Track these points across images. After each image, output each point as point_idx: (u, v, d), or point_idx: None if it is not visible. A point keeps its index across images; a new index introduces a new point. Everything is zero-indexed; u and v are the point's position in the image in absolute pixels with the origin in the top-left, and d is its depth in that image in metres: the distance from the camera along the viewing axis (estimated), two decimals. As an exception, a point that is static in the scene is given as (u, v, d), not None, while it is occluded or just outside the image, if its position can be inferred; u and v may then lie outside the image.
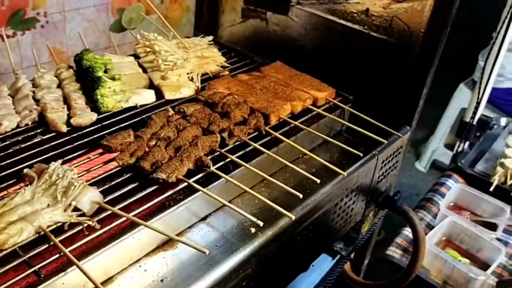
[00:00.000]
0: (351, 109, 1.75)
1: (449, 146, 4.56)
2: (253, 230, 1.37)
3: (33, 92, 1.60)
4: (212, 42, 2.16)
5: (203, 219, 1.39)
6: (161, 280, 1.20)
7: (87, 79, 1.64)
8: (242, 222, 1.39)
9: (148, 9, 2.54)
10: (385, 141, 1.60)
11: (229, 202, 1.40)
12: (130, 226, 1.20)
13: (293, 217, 1.24)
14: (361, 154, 1.51)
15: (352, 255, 2.21)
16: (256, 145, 1.46)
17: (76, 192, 1.17)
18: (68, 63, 1.85)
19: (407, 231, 3.05)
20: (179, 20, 2.78)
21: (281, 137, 1.52)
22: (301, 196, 1.28)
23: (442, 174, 3.56)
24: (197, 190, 1.30)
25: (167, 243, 1.30)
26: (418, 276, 2.64)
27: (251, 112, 1.61)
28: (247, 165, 1.38)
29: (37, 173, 1.25)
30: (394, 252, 2.88)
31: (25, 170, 1.27)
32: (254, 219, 1.18)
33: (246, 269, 1.33)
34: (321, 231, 1.70)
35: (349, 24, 2.27)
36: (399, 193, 1.98)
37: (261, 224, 1.19)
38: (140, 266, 1.23)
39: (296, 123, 1.60)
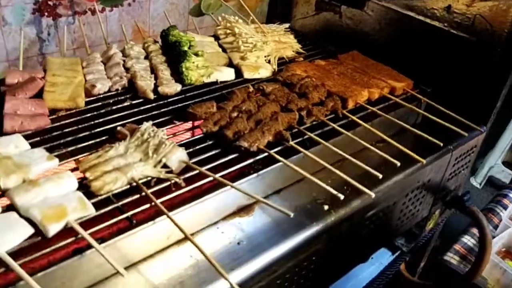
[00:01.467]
0: (428, 101, 1.72)
1: (508, 164, 4.40)
2: (326, 207, 1.39)
3: (123, 61, 1.69)
4: (288, 29, 2.19)
5: (277, 191, 1.42)
6: (238, 243, 1.24)
7: (174, 53, 1.72)
8: (315, 198, 1.41)
9: (226, -5, 2.61)
10: (466, 134, 1.56)
11: (303, 179, 1.43)
12: (212, 188, 1.25)
13: (373, 195, 1.24)
14: (442, 144, 1.48)
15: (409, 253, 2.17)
16: (335, 125, 1.48)
17: (167, 150, 1.23)
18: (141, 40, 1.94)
19: (466, 239, 2.96)
20: (253, 9, 2.83)
21: (358, 120, 1.53)
22: (380, 176, 1.28)
23: (504, 186, 3.42)
24: (275, 162, 1.34)
25: (243, 209, 1.34)
26: (475, 284, 2.56)
27: (328, 95, 1.62)
28: (325, 142, 1.40)
29: (129, 131, 1.32)
30: (451, 258, 2.81)
31: (118, 128, 1.35)
32: (334, 192, 1.20)
33: (317, 244, 1.35)
34: (388, 221, 1.69)
35: (428, 20, 2.24)
36: (469, 193, 1.93)
37: (342, 197, 1.20)
38: (217, 228, 1.28)
39: (374, 109, 1.60)
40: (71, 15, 2.11)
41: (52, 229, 1.00)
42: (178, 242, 1.20)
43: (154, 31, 2.42)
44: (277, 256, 1.24)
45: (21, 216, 1.03)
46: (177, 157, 1.23)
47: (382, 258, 2.06)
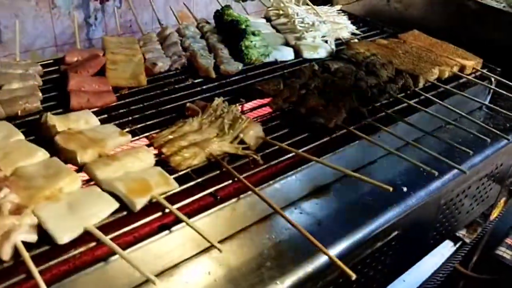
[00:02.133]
0: (500, 78, 1.63)
1: None
2: (405, 189, 1.31)
3: (180, 40, 1.63)
4: (340, 11, 2.12)
5: (355, 171, 1.34)
6: (318, 224, 1.17)
7: (231, 32, 1.65)
8: (393, 180, 1.32)
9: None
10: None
11: (380, 158, 1.35)
12: (289, 166, 1.17)
13: (467, 172, 1.15)
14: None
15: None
16: (411, 102, 1.40)
17: (243, 126, 1.16)
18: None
19: (518, 233, 2.84)
20: (295, -6, 2.76)
21: (433, 98, 1.45)
22: (471, 152, 1.19)
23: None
24: (355, 139, 1.26)
25: (320, 191, 1.27)
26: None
27: (397, 73, 1.54)
28: (404, 119, 1.31)
29: (199, 107, 1.26)
30: (504, 252, 2.69)
31: (188, 104, 1.28)
32: (428, 168, 1.11)
33: (396, 228, 1.27)
34: (460, 207, 1.60)
35: (484, 1, 2.14)
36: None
37: (436, 173, 1.12)
38: (295, 208, 1.21)
39: (447, 87, 1.52)
40: (118, -1, 2.06)
41: (139, 203, 0.93)
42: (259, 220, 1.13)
43: (198, 17, 2.36)
44: (358, 238, 1.16)
45: (103, 190, 0.97)
46: (255, 132, 1.16)
47: (443, 249, 1.96)
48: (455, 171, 1.32)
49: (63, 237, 0.84)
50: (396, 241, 1.31)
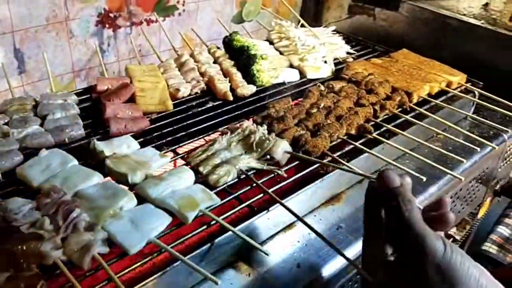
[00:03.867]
0: (482, 91, 1.83)
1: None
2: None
3: (196, 66, 1.79)
4: (335, 32, 2.30)
5: (360, 182, 1.52)
6: (337, 228, 1.34)
7: (242, 57, 1.82)
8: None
9: (264, 3, 2.73)
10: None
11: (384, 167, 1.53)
12: (309, 179, 1.34)
13: (462, 179, 1.34)
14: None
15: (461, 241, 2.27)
16: (407, 117, 1.59)
17: (271, 144, 1.33)
18: (194, 49, 2.03)
19: (501, 229, 3.06)
20: (287, 15, 2.94)
21: (426, 112, 1.64)
22: (465, 161, 1.38)
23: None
24: (361, 153, 1.44)
25: (334, 198, 1.44)
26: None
27: (393, 90, 1.73)
28: (404, 132, 1.50)
29: (229, 128, 1.43)
30: (490, 247, 2.90)
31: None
32: (417, 174, 1.30)
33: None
34: (454, 208, 1.79)
35: (464, 18, 2.36)
36: (517, 181, 2.04)
37: (424, 179, 1.31)
38: (315, 215, 1.37)
39: (437, 101, 1.71)
40: (129, 26, 2.20)
41: (191, 217, 1.09)
42: (285, 228, 1.30)
43: (203, 38, 2.52)
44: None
45: (156, 206, 1.12)
46: (282, 148, 1.33)
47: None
48: (448, 176, 1.52)
49: (133, 249, 0.99)
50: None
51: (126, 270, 0.97)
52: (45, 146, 1.31)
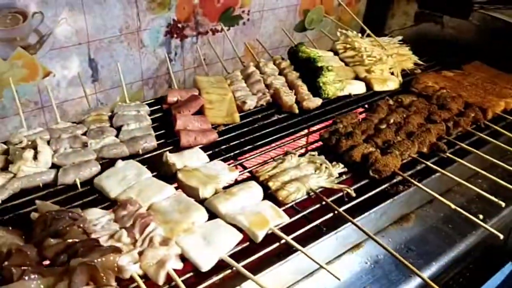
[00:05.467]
0: None
1: None
2: (481, 216, 1.41)
3: (262, 77, 1.80)
4: (401, 42, 2.24)
5: (430, 201, 1.46)
6: (407, 251, 1.30)
7: (308, 68, 1.81)
8: (468, 208, 1.44)
9: (326, 11, 2.71)
10: None
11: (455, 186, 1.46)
12: (384, 197, 1.31)
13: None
14: None
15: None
16: (482, 134, 1.51)
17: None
18: (257, 58, 2.04)
19: None
20: (350, 22, 2.90)
21: (502, 130, 1.55)
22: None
23: None
24: (432, 172, 1.38)
25: (402, 218, 1.40)
26: None
27: (466, 106, 1.65)
28: (479, 152, 1.43)
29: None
30: None
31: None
32: (494, 199, 1.23)
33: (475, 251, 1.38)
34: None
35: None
36: None
37: (503, 204, 1.24)
38: (383, 236, 1.34)
39: (515, 119, 1.62)
40: (195, 36, 2.25)
41: (261, 235, 1.09)
42: (353, 248, 1.28)
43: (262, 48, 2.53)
44: (446, 262, 1.28)
45: (226, 222, 1.13)
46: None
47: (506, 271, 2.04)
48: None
49: (205, 266, 1.01)
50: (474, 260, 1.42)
51: (200, 287, 0.99)
52: (121, 156, 1.36)
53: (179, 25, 2.17)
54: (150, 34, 2.09)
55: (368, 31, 2.21)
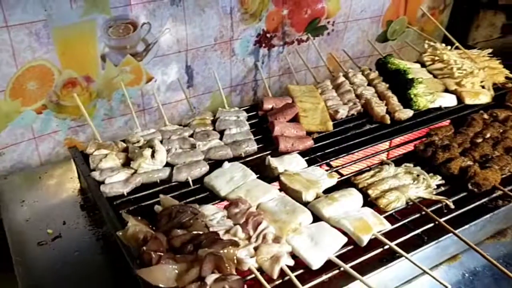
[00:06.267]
0: None
1: None
2: None
3: (352, 88, 1.85)
4: (491, 55, 2.20)
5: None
6: (506, 265, 1.29)
7: (397, 80, 1.84)
8: None
9: (409, 21, 2.71)
10: None
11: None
12: (482, 211, 1.32)
13: None
14: None
15: None
16: None
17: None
18: (345, 68, 2.09)
19: None
20: (432, 33, 2.88)
21: None
22: None
23: None
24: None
25: (499, 233, 1.39)
26: None
27: None
28: None
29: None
30: None
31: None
32: None
33: None
34: None
35: None
36: None
37: None
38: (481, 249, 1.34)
39: None
40: (282, 45, 2.34)
41: (366, 239, 1.15)
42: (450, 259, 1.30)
43: (344, 58, 2.57)
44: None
45: (331, 226, 1.20)
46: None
47: None
48: None
49: (316, 264, 1.08)
50: None
51: (312, 284, 1.06)
52: (225, 158, 1.46)
53: (268, 35, 2.26)
54: (241, 43, 2.20)
55: (457, 44, 2.20)
